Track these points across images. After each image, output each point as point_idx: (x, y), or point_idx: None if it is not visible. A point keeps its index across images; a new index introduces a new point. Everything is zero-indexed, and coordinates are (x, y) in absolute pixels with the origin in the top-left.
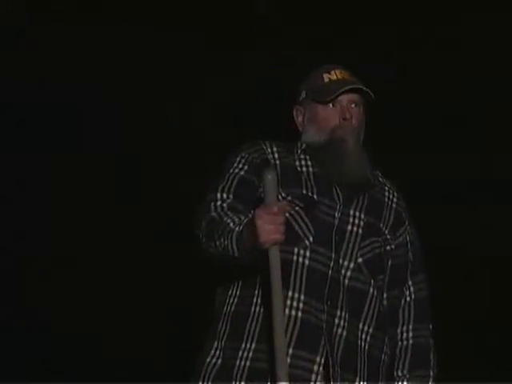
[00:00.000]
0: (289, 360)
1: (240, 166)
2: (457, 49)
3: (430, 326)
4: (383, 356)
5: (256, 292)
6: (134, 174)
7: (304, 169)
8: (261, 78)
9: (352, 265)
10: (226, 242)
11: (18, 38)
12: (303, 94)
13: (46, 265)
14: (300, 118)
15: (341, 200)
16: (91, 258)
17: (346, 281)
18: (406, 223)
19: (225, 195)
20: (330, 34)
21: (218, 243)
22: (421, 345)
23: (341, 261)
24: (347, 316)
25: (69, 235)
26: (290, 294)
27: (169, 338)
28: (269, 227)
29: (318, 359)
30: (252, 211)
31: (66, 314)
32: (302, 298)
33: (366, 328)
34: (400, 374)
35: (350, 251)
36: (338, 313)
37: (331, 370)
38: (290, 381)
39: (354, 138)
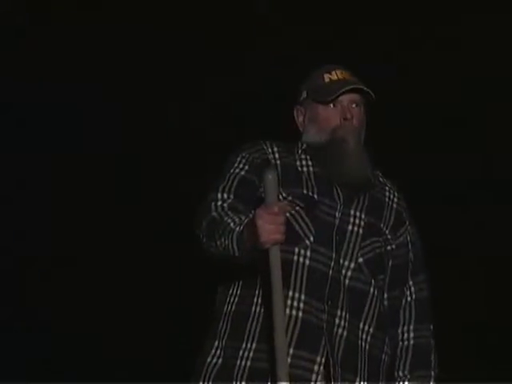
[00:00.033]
0: (289, 360)
1: (241, 166)
2: (457, 49)
3: (431, 327)
4: (384, 356)
5: (256, 292)
6: (134, 174)
7: (305, 169)
8: (261, 78)
9: (353, 265)
10: (226, 242)
11: (18, 38)
12: (304, 94)
13: (46, 265)
14: (301, 118)
15: (341, 200)
16: (91, 257)
17: (347, 281)
18: (407, 223)
19: (225, 195)
20: (330, 34)
21: (218, 243)
22: (422, 345)
23: (341, 261)
24: (348, 316)
25: (69, 235)
26: (290, 293)
27: (169, 338)
28: (269, 227)
29: (318, 359)
30: (253, 211)
31: (66, 314)
32: (303, 297)
33: (366, 328)
34: (401, 374)
35: (350, 251)
36: (339, 313)
37: (332, 370)
38: (290, 381)
39: (355, 138)
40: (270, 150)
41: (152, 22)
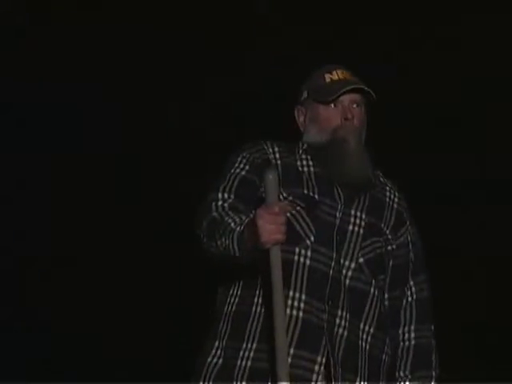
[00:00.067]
0: (290, 360)
1: (241, 165)
2: (457, 49)
3: (432, 327)
4: (384, 356)
5: (257, 292)
6: (134, 174)
7: (305, 169)
8: (261, 78)
9: (353, 265)
10: (227, 242)
11: (18, 38)
12: (305, 94)
13: (46, 265)
14: (301, 118)
15: (342, 200)
16: (91, 257)
17: (347, 281)
18: (407, 223)
19: (226, 195)
20: (330, 34)
21: (219, 243)
22: (423, 345)
23: (342, 261)
24: (348, 316)
25: (69, 235)
26: (291, 293)
27: (169, 338)
28: (270, 227)
29: (319, 359)
30: (253, 211)
31: (66, 314)
32: (303, 297)
33: (367, 328)
34: (402, 374)
35: (351, 251)
36: (339, 313)
37: (332, 370)
38: (290, 381)
39: (356, 138)
40: (270, 150)
41: (152, 21)
